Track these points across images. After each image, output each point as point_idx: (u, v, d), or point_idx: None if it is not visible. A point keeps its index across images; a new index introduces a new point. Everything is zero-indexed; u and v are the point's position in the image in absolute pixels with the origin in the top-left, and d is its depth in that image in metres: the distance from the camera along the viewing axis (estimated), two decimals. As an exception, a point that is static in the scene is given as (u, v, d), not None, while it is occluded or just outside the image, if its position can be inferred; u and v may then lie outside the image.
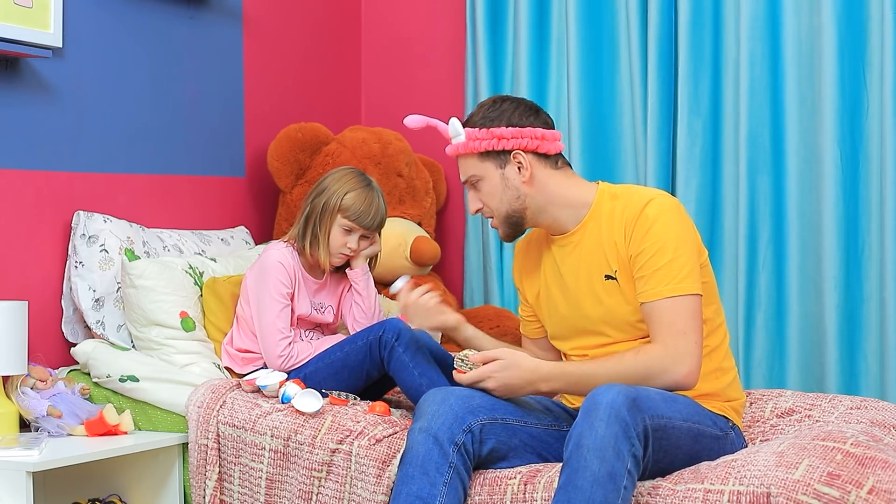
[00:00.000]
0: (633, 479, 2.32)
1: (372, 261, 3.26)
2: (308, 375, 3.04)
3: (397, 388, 3.15)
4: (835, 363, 3.49)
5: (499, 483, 2.51)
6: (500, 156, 2.70)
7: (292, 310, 3.13)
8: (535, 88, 3.96)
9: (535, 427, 2.62)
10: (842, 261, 3.50)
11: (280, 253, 3.13)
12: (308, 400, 2.85)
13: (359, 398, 3.05)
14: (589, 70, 3.86)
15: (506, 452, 2.57)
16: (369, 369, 3.02)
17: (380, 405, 2.90)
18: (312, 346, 3.13)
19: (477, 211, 2.77)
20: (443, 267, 4.12)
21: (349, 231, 3.15)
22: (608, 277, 2.66)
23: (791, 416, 2.92)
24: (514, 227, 2.76)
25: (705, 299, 2.62)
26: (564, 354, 2.82)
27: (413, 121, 2.80)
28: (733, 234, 3.67)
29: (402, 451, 2.57)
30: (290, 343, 3.09)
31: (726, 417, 2.65)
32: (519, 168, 2.70)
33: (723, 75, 3.71)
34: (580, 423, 2.33)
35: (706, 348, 2.64)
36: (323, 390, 2.98)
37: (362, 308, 3.21)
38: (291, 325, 3.13)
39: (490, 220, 2.79)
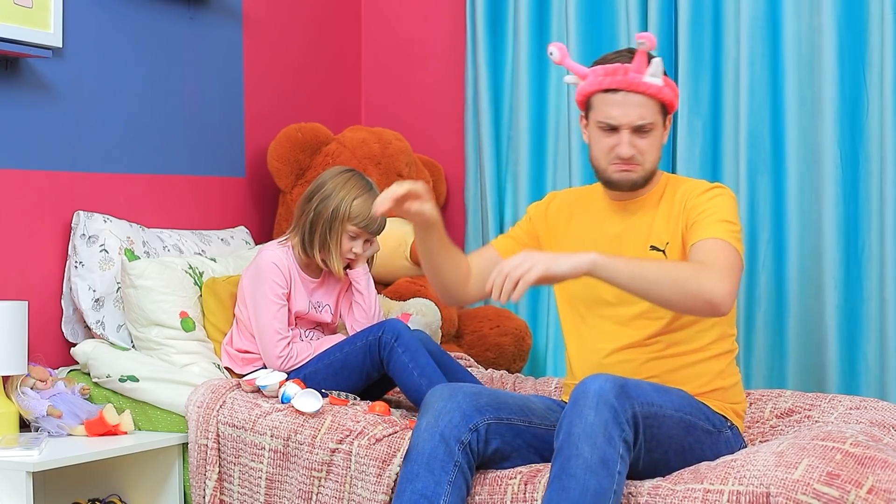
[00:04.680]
0: (625, 463, 2.32)
1: (369, 260, 3.26)
2: (308, 375, 3.05)
3: (397, 388, 3.15)
4: (835, 363, 3.49)
5: (499, 483, 2.51)
6: (667, 112, 2.62)
7: (289, 309, 3.13)
8: (535, 88, 3.96)
9: (538, 427, 2.62)
10: (842, 261, 3.50)
11: (274, 253, 3.13)
12: (308, 400, 2.85)
13: (359, 398, 3.05)
14: (589, 70, 3.85)
15: (509, 453, 2.56)
16: (369, 370, 3.03)
17: (380, 405, 2.90)
18: (312, 347, 3.13)
19: (630, 157, 2.59)
20: (443, 267, 4.11)
21: (355, 237, 3.15)
22: (654, 248, 2.63)
23: (791, 417, 2.92)
24: (645, 184, 2.65)
25: None
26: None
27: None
28: (733, 234, 3.67)
29: (405, 448, 2.56)
30: (288, 343, 3.09)
31: (724, 417, 2.64)
32: (666, 127, 2.65)
33: (723, 75, 3.70)
34: (569, 412, 2.33)
35: (719, 350, 2.66)
36: (323, 390, 2.98)
37: (363, 308, 3.21)
38: (290, 325, 3.13)
39: (629, 169, 2.60)
